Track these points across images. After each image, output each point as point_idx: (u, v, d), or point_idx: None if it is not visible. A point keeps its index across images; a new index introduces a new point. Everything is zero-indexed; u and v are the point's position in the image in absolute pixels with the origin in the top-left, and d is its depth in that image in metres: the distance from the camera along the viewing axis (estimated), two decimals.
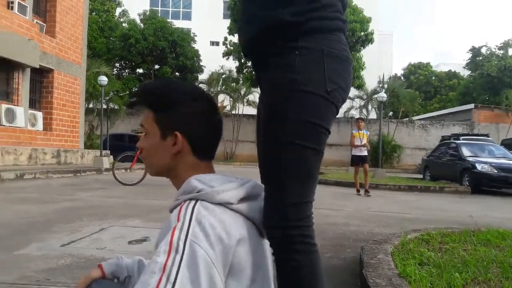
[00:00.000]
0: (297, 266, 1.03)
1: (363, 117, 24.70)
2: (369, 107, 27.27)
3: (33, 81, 12.50)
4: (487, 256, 2.64)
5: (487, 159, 11.06)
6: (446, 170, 12.40)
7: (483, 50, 35.16)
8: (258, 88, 1.26)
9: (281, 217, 1.02)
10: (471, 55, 36.11)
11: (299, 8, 1.06)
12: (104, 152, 15.05)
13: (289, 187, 1.04)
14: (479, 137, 16.33)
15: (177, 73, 27.97)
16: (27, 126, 11.93)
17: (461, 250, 2.87)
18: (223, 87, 26.61)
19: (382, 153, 17.20)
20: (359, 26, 24.27)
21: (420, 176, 14.87)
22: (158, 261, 0.83)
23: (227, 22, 27.80)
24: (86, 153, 14.74)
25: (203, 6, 38.57)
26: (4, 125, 10.87)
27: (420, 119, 31.30)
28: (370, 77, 28.81)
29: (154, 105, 1.04)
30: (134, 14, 29.26)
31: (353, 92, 25.43)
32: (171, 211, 0.97)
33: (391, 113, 31.24)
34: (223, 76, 26.98)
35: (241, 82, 27.10)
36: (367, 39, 25.19)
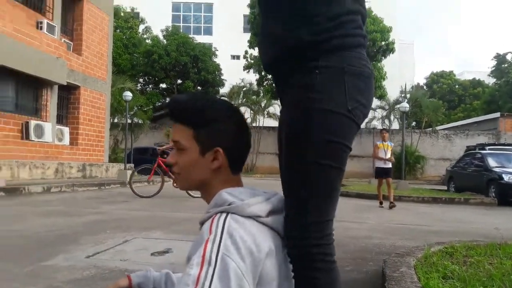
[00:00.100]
0: (317, 284, 1.03)
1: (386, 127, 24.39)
2: (391, 117, 26.95)
3: (60, 98, 12.92)
4: None
5: None
6: (472, 181, 12.09)
7: (508, 57, 34.42)
8: (279, 101, 1.29)
9: (302, 235, 1.03)
10: (495, 62, 35.38)
11: (319, 27, 1.05)
12: (128, 165, 15.31)
13: (311, 205, 1.04)
14: (505, 146, 15.84)
15: (199, 87, 28.43)
16: (54, 141, 12.32)
17: (487, 263, 2.81)
18: (244, 100, 26.90)
19: (405, 164, 16.91)
20: (379, 36, 24.20)
21: (445, 187, 14.55)
22: (191, 273, 0.86)
23: (248, 35, 28.17)
24: (110, 167, 15.05)
25: (224, 20, 39.16)
26: (33, 140, 11.26)
27: (444, 129, 30.71)
28: (392, 87, 28.47)
29: (193, 122, 1.05)
30: (157, 30, 30.04)
31: (375, 102, 25.06)
32: (202, 223, 1.00)
33: (414, 123, 30.80)
34: (243, 89, 27.30)
35: (261, 94, 27.34)
36: (388, 49, 25.07)
